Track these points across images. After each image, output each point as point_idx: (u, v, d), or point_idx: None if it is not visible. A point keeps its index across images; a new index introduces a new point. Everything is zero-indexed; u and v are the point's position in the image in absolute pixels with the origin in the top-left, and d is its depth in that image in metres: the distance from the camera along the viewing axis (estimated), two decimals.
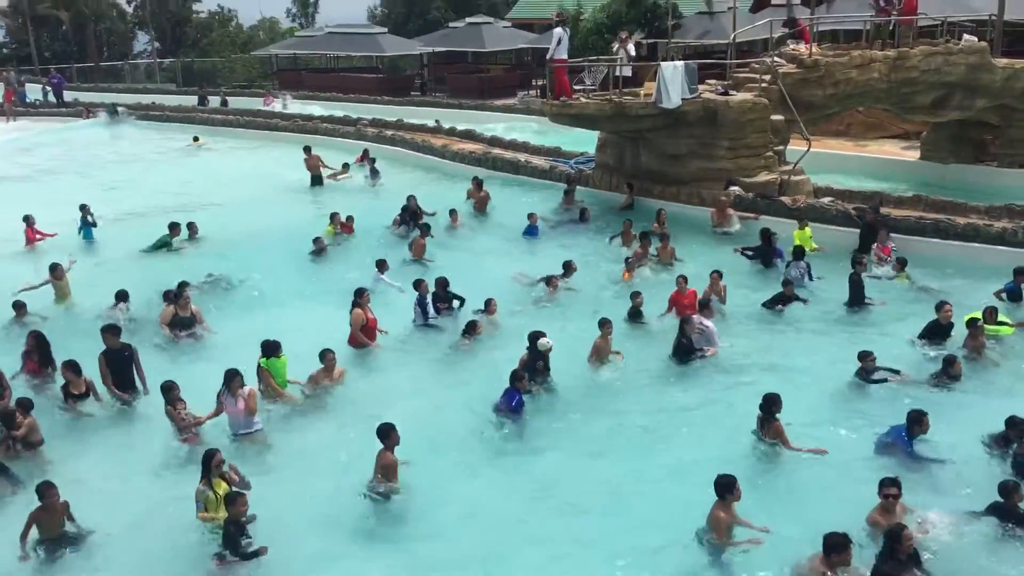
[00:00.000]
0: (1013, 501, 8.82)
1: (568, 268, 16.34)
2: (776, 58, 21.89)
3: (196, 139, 34.83)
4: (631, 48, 22.49)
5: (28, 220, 19.99)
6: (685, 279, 15.14)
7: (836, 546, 7.90)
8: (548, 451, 10.84)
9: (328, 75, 53.67)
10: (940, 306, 13.40)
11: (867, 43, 22.65)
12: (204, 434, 11.16)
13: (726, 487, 8.77)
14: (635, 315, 14.55)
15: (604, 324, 12.99)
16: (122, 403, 12.14)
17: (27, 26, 60.73)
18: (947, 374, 11.95)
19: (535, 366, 12.15)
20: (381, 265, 16.50)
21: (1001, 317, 13.51)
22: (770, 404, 10.47)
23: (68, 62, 61.77)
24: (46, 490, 9.15)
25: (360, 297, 13.80)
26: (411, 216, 20.02)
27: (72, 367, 11.92)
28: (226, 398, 11.11)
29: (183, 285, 14.87)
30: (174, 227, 19.39)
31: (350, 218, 19.86)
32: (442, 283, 15.04)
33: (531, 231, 19.78)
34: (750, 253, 17.63)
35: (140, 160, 31.88)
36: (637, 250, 17.38)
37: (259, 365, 12.01)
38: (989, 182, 23.31)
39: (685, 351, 13.15)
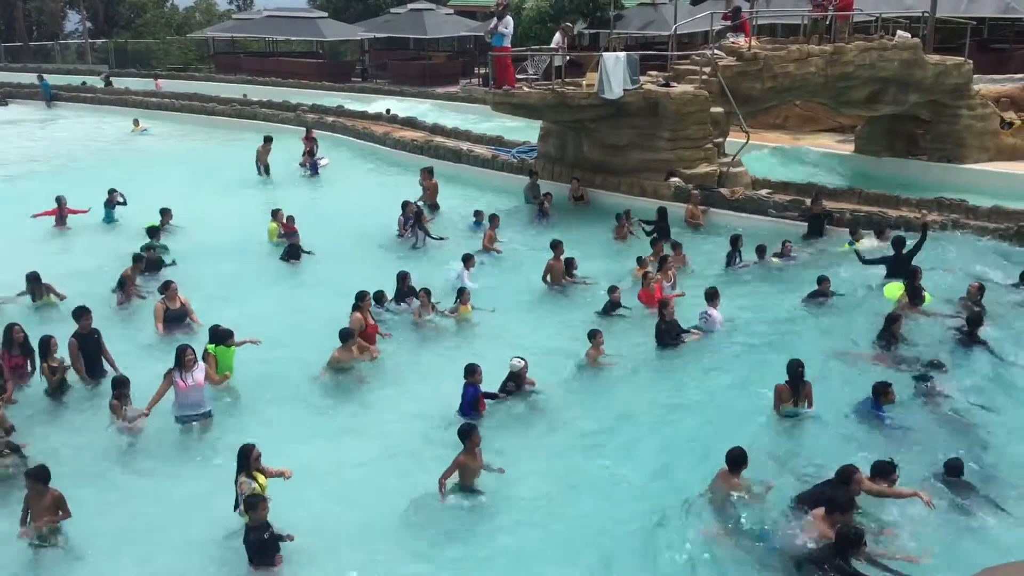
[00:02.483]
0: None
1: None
2: (716, 51, 22.14)
3: (136, 123, 34.21)
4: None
5: (60, 201, 19.76)
6: (647, 275, 15.17)
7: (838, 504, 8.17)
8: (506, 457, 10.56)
9: (267, 59, 52.87)
10: (820, 280, 14.54)
11: (804, 38, 23.02)
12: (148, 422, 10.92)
13: (737, 459, 8.95)
14: (612, 308, 14.60)
15: (595, 335, 12.84)
16: (92, 387, 11.98)
17: None
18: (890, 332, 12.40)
19: (506, 387, 11.78)
20: (468, 260, 16.00)
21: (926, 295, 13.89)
22: (797, 367, 10.68)
23: None
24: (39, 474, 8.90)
25: (361, 301, 13.29)
26: (416, 219, 18.88)
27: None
28: (179, 374, 10.87)
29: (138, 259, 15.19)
30: (165, 212, 19.10)
31: (291, 218, 18.58)
32: (403, 276, 14.89)
33: (477, 225, 19.59)
34: (648, 228, 18.29)
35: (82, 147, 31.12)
36: (669, 258, 16.25)
37: (206, 350, 11.78)
38: (920, 175, 23.88)
39: (665, 335, 13.22)
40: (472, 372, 11.25)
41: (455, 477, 9.56)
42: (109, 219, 20.28)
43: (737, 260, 16.82)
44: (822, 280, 14.52)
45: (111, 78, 45.88)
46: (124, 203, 20.51)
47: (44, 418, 11.39)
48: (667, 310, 13.32)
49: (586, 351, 12.80)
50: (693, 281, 15.82)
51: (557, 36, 22.44)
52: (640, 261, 16.15)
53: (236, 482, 9.04)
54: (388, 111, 32.95)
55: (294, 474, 9.42)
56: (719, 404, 11.36)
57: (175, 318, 13.88)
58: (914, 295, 13.66)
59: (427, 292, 14.49)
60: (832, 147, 27.33)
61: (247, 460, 9.11)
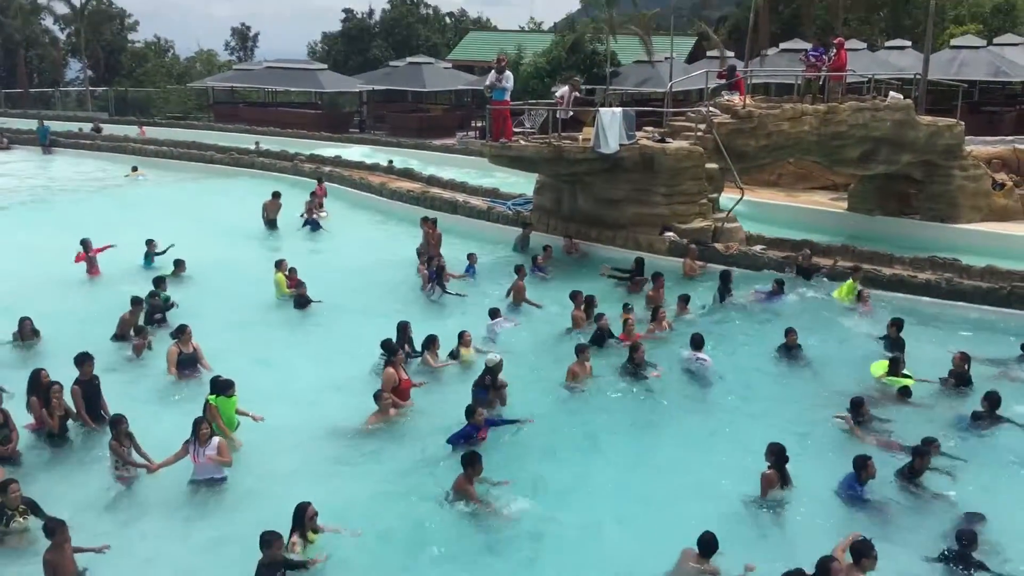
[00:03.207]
0: (970, 550, 9.00)
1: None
2: (711, 108, 22.38)
3: (135, 169, 34.49)
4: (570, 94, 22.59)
5: (85, 244, 19.75)
6: (627, 320, 15.42)
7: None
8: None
9: (266, 109, 53.33)
10: (787, 332, 14.47)
11: (798, 97, 23.31)
12: (157, 475, 10.74)
13: (708, 544, 8.74)
14: (599, 339, 14.85)
15: (582, 350, 13.27)
16: (92, 433, 11.84)
17: None
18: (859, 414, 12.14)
19: (483, 381, 12.20)
20: (494, 313, 16.00)
21: (907, 371, 13.66)
22: (782, 452, 10.39)
23: None
24: (56, 528, 8.70)
25: (394, 356, 13.13)
26: (438, 273, 18.57)
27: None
28: (194, 447, 10.61)
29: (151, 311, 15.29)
30: (179, 264, 19.12)
31: (293, 270, 18.34)
32: (404, 327, 14.74)
33: (470, 270, 19.72)
34: (619, 275, 18.66)
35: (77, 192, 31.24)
36: (661, 309, 16.37)
37: (207, 402, 11.66)
38: (913, 234, 24.00)
39: (630, 375, 13.56)
40: (471, 413, 11.42)
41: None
42: (148, 266, 20.22)
43: (727, 297, 17.11)
44: (789, 332, 14.53)
45: (100, 126, 46.17)
46: (162, 253, 20.41)
47: (45, 466, 11.19)
48: (637, 354, 13.68)
49: (570, 365, 12.91)
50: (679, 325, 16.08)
51: (565, 89, 22.62)
52: (626, 308, 16.25)
53: (288, 542, 8.88)
54: (390, 162, 33.11)
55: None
56: (695, 472, 11.13)
57: (186, 362, 13.85)
58: (894, 372, 13.44)
59: (433, 339, 14.39)
60: (826, 205, 27.50)
61: (302, 519, 9.00)
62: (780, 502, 10.21)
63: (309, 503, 9.10)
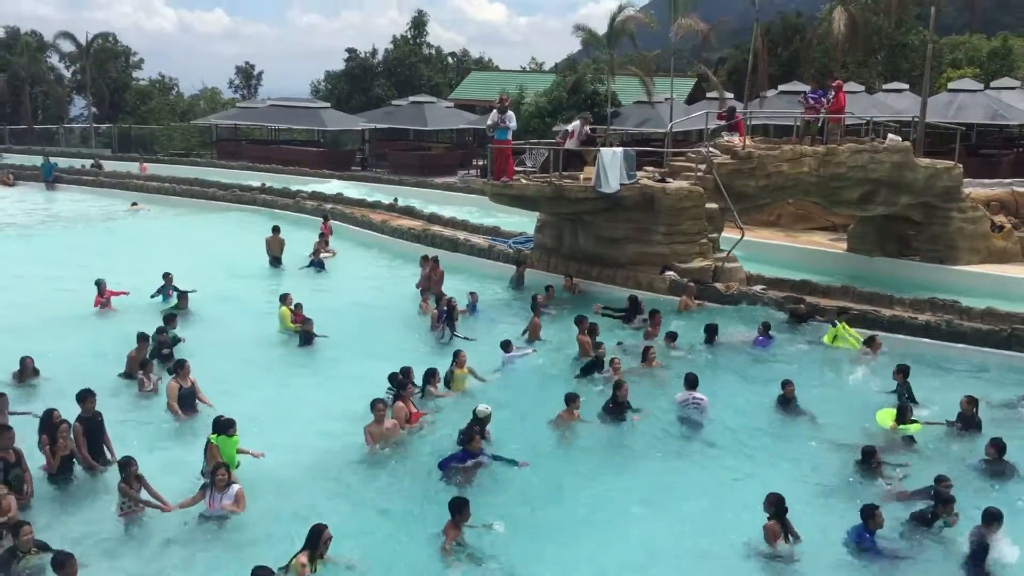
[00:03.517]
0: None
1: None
2: (711, 148, 22.55)
3: (134, 204, 34.73)
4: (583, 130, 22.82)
5: (99, 285, 19.82)
6: (618, 360, 15.45)
7: None
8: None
9: (268, 147, 53.68)
10: (784, 384, 14.23)
11: (797, 139, 23.49)
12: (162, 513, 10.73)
13: None
14: (588, 369, 15.08)
15: (572, 400, 13.19)
16: (94, 473, 11.78)
17: None
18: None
19: (471, 433, 12.14)
20: (506, 346, 16.25)
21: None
22: (781, 503, 10.25)
23: (1, 123, 60.80)
24: (65, 561, 8.72)
25: (404, 390, 13.36)
26: (449, 313, 18.37)
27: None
28: (210, 493, 10.63)
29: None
30: (182, 296, 19.08)
31: (299, 305, 18.43)
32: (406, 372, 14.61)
33: (472, 308, 19.76)
34: (614, 313, 18.84)
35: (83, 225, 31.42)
36: (651, 349, 16.42)
37: (208, 441, 11.66)
38: (912, 276, 24.07)
39: (613, 413, 13.53)
40: (468, 440, 11.49)
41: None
42: (165, 299, 20.21)
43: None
44: (786, 384, 14.26)
45: (101, 162, 46.46)
46: (182, 292, 20.24)
47: (49, 506, 11.12)
48: (620, 391, 13.67)
49: (559, 412, 12.94)
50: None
51: (576, 123, 22.82)
52: (619, 345, 16.58)
53: (293, 561, 8.91)
54: (396, 200, 33.22)
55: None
56: (698, 526, 10.93)
57: (186, 396, 13.83)
58: (902, 420, 13.30)
59: (433, 372, 14.60)
60: (825, 245, 27.60)
61: (317, 540, 9.01)
62: (789, 556, 10.06)
63: (326, 526, 9.09)
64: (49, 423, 11.74)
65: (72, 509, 11.07)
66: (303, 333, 17.58)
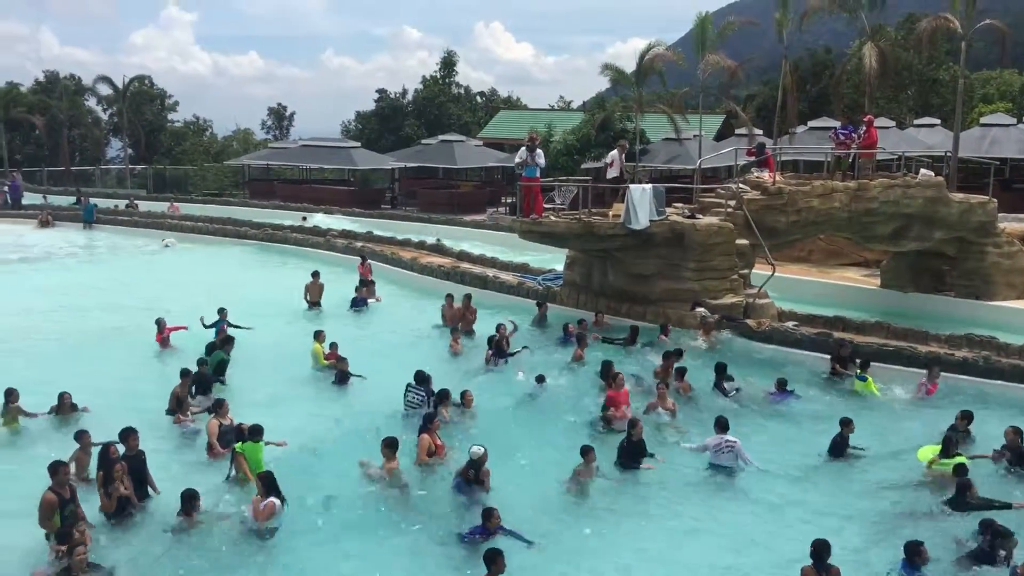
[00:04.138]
0: None
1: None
2: (741, 184, 22.49)
3: (166, 243, 35.45)
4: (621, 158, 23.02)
5: (159, 323, 20.13)
6: (620, 377, 15.53)
7: None
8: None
9: (300, 186, 54.28)
10: (845, 422, 13.95)
11: (828, 174, 23.37)
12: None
13: None
14: (606, 424, 14.83)
15: (587, 452, 12.71)
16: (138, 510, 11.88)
17: (0, 130, 61.23)
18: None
19: (467, 475, 12.07)
20: (540, 379, 16.52)
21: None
22: (823, 549, 9.87)
23: (39, 165, 62.07)
24: None
25: (430, 423, 13.44)
26: (498, 346, 18.53)
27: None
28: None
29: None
30: (226, 342, 18.68)
31: (334, 345, 18.61)
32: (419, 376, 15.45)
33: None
34: (618, 341, 19.15)
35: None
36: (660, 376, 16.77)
37: (234, 449, 12.13)
38: (947, 311, 23.73)
39: (629, 455, 13.26)
40: (489, 517, 11.04)
41: None
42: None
43: (721, 388, 16.69)
44: (846, 423, 13.93)
45: (136, 202, 47.20)
46: (236, 327, 20.68)
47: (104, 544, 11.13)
48: (635, 430, 13.46)
49: (576, 467, 12.64)
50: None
51: (615, 152, 22.94)
52: (628, 376, 16.47)
53: None
54: (438, 240, 33.36)
55: None
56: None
57: (228, 433, 13.92)
58: (947, 453, 12.91)
59: (445, 394, 14.91)
60: (858, 281, 27.33)
61: None
62: None
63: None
64: (106, 458, 11.83)
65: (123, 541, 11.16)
66: (339, 372, 17.66)
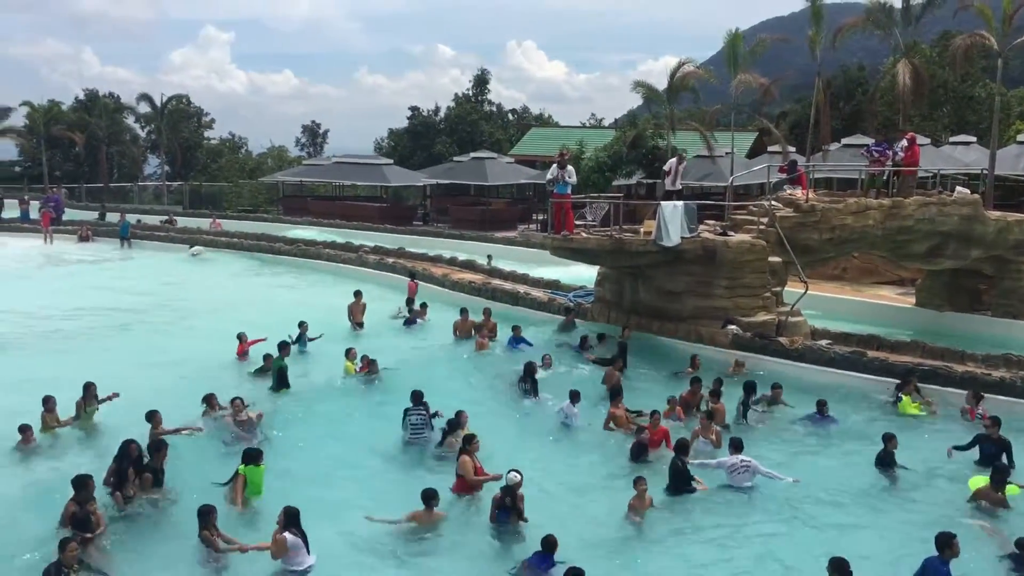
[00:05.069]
0: None
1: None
2: (774, 202, 22.38)
3: (195, 250, 37.19)
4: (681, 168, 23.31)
5: (241, 337, 20.56)
6: (657, 416, 15.28)
7: None
8: None
9: (333, 202, 54.75)
10: (888, 438, 14.01)
11: (862, 192, 23.20)
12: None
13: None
14: (639, 452, 14.49)
15: (639, 482, 12.54)
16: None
17: (41, 146, 62.41)
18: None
19: (503, 501, 11.90)
20: (574, 396, 16.40)
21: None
22: (845, 569, 9.78)
23: (79, 182, 63.14)
24: None
25: (469, 444, 13.33)
26: (529, 375, 17.99)
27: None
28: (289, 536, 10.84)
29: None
30: (283, 346, 19.02)
31: (364, 358, 18.83)
32: (417, 396, 15.40)
33: (515, 342, 20.69)
34: (602, 362, 19.29)
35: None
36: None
37: (237, 471, 12.34)
38: (984, 331, 23.43)
39: (679, 478, 13.18)
40: (552, 547, 10.79)
41: None
42: (301, 349, 20.78)
43: (748, 411, 16.54)
44: (889, 439, 13.95)
45: (174, 218, 47.84)
46: (315, 338, 21.16)
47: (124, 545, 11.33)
48: (683, 455, 13.51)
49: (630, 500, 12.42)
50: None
51: (673, 161, 23.36)
52: (670, 401, 16.31)
53: None
54: (490, 258, 33.49)
55: None
56: None
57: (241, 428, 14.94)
58: (999, 484, 12.69)
59: (462, 416, 14.99)
60: (893, 300, 27.06)
61: None
62: None
63: None
64: (125, 456, 12.31)
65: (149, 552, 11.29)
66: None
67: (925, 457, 14.47)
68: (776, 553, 11.48)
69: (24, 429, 14.48)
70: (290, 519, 10.81)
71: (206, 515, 10.93)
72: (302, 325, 21.25)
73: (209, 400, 15.74)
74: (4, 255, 37.67)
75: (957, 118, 53.90)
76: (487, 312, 22.71)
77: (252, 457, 12.51)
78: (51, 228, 42.67)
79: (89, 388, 15.61)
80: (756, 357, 19.49)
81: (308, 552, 10.84)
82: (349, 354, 19.18)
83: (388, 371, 18.44)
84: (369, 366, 18.40)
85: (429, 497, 11.91)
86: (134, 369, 19.03)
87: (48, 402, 15.19)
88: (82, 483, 11.31)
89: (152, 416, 14.23)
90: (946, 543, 9.97)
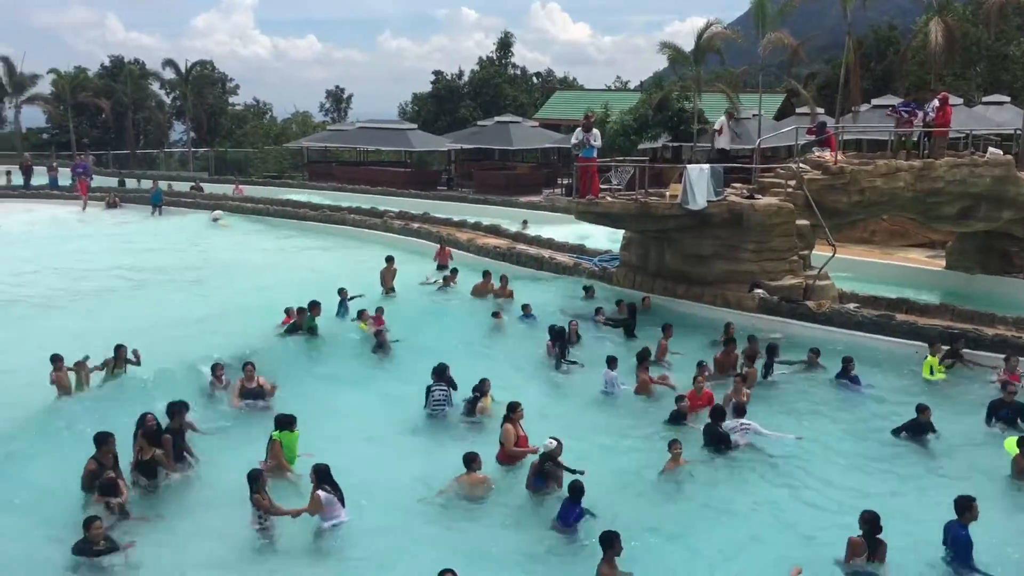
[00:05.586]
0: None
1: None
2: (802, 164, 22.10)
3: (217, 217, 37.38)
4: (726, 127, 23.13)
5: (289, 311, 19.90)
6: (701, 382, 15.31)
7: None
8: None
9: (357, 168, 54.75)
10: (922, 409, 13.74)
11: (892, 153, 22.86)
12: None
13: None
14: (677, 418, 14.54)
15: (673, 444, 12.60)
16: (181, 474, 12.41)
17: (68, 113, 62.78)
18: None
19: (541, 468, 11.87)
20: (612, 363, 16.26)
21: None
22: (874, 522, 9.85)
23: (105, 149, 63.50)
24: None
25: (513, 412, 13.12)
26: (560, 337, 17.93)
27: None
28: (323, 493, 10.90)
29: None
30: (314, 306, 18.98)
31: (380, 310, 19.30)
32: (440, 370, 15.16)
33: (526, 318, 20.28)
34: (612, 323, 19.57)
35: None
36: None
37: (271, 438, 12.23)
38: (1015, 294, 23.11)
39: (716, 439, 13.26)
40: (579, 492, 10.97)
41: None
42: (341, 314, 20.58)
43: (771, 372, 16.64)
44: (922, 409, 13.78)
45: (201, 185, 48.03)
46: (354, 297, 20.93)
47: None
48: (718, 416, 13.65)
49: (665, 463, 12.52)
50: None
51: (722, 118, 23.21)
52: (700, 366, 16.02)
53: None
54: (525, 223, 33.48)
55: None
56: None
57: (250, 396, 14.95)
58: None
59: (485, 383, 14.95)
60: (922, 263, 26.75)
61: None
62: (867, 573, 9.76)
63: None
64: (141, 428, 12.22)
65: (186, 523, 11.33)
66: (377, 338, 18.25)
67: (949, 420, 14.39)
68: (792, 514, 11.63)
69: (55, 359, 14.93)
70: (321, 476, 10.89)
71: (255, 479, 10.90)
72: (341, 292, 20.88)
73: (215, 371, 15.48)
74: (37, 220, 37.93)
75: (991, 77, 52.83)
76: (504, 279, 22.59)
77: (285, 423, 12.31)
78: (87, 196, 43.02)
79: (120, 351, 15.69)
80: (783, 321, 19.42)
81: (344, 506, 10.98)
82: (361, 316, 19.35)
83: (397, 343, 18.21)
84: (378, 330, 18.43)
85: (470, 460, 11.87)
86: (169, 328, 19.67)
87: (57, 361, 15.06)
88: (103, 439, 11.43)
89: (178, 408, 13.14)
90: (966, 507, 9.93)
